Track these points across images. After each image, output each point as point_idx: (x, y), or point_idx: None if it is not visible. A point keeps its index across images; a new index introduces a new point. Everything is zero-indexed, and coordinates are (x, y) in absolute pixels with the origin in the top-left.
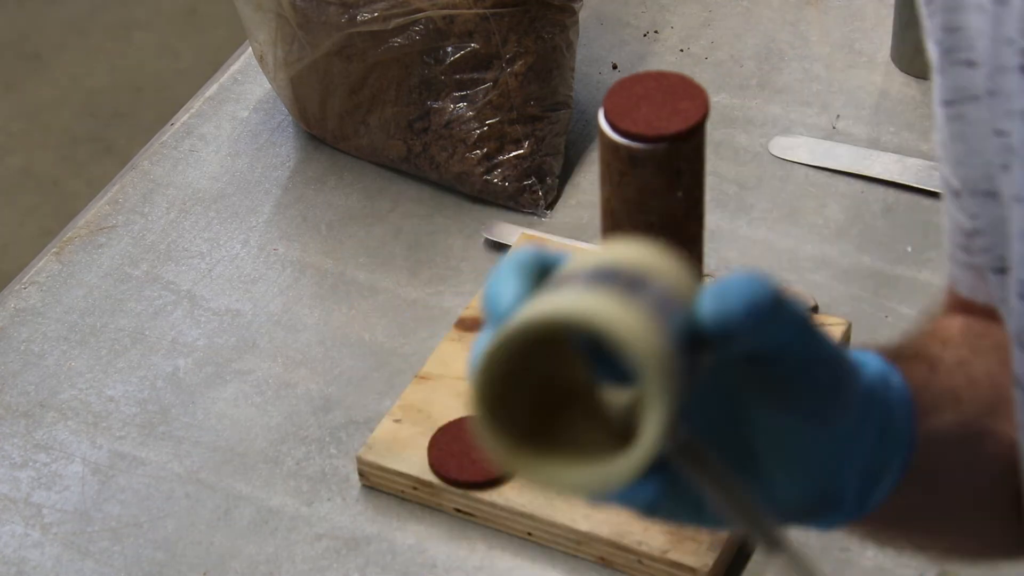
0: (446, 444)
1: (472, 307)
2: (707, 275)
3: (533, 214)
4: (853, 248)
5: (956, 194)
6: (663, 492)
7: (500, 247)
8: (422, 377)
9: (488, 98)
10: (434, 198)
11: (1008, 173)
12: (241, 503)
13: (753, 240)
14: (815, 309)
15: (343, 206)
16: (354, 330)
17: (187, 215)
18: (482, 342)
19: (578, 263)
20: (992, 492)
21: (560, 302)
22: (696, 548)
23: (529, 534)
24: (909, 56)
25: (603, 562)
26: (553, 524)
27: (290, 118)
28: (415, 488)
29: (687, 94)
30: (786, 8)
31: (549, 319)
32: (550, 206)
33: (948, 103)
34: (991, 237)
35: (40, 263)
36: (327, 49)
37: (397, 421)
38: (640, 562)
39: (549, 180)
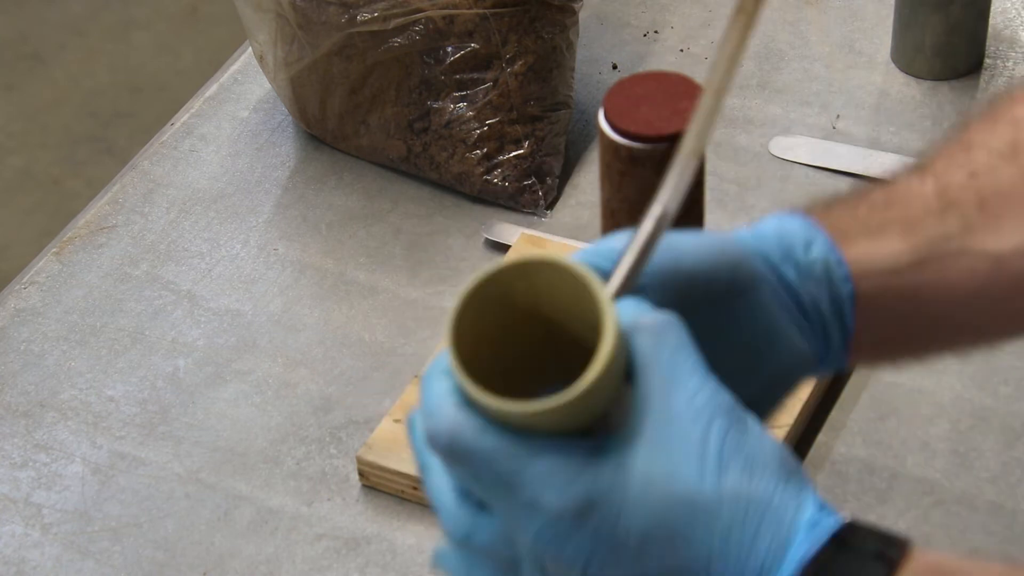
0: None
1: None
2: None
3: (533, 214)
4: None
5: None
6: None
7: (500, 247)
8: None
9: (488, 98)
10: (434, 198)
11: None
12: (241, 503)
13: None
14: None
15: (343, 206)
16: (354, 330)
17: (187, 215)
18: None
19: None
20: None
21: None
22: None
23: None
24: (909, 56)
25: None
26: None
27: (290, 118)
28: (415, 488)
29: (687, 94)
30: (786, 8)
31: (523, 260)
32: (550, 206)
33: None
34: None
35: (40, 263)
36: (327, 49)
37: (397, 421)
38: None
39: (549, 180)
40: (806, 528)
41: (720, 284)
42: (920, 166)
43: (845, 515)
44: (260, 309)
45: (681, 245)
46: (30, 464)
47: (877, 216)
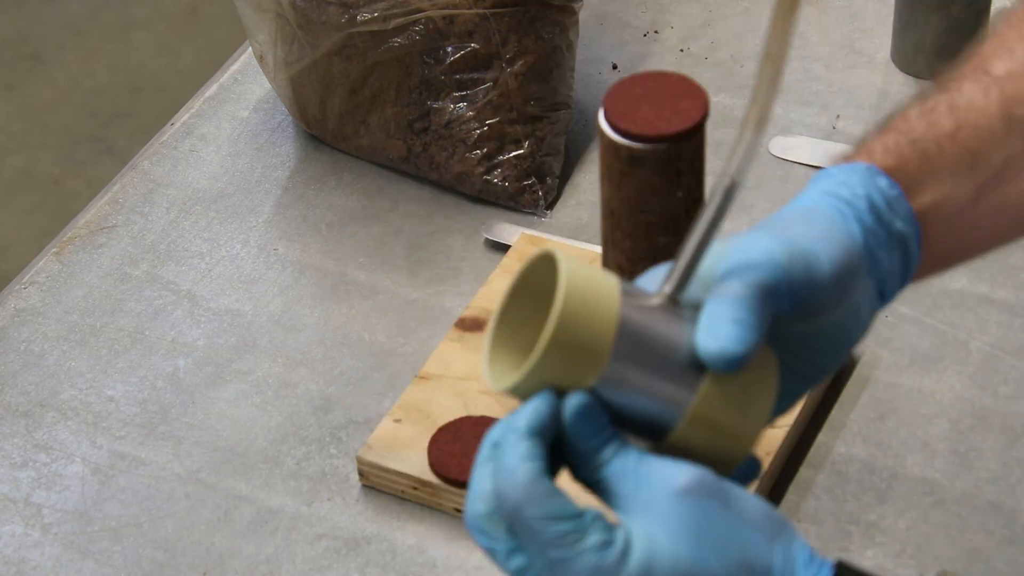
0: (446, 444)
1: (472, 307)
2: None
3: (533, 214)
4: None
5: None
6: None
7: (500, 247)
8: (422, 377)
9: (488, 98)
10: (434, 198)
11: None
12: (241, 503)
13: None
14: None
15: (343, 206)
16: (354, 330)
17: (187, 215)
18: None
19: None
20: None
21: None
22: None
23: None
24: (909, 56)
25: None
26: None
27: (290, 118)
28: (415, 488)
29: (687, 94)
30: None
31: (540, 253)
32: (550, 206)
33: None
34: None
35: (40, 263)
36: (327, 49)
37: (397, 421)
38: None
39: (549, 180)
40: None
41: (843, 285)
42: (978, 65)
43: (833, 558)
44: (260, 309)
45: (812, 258)
46: (30, 464)
47: (944, 150)
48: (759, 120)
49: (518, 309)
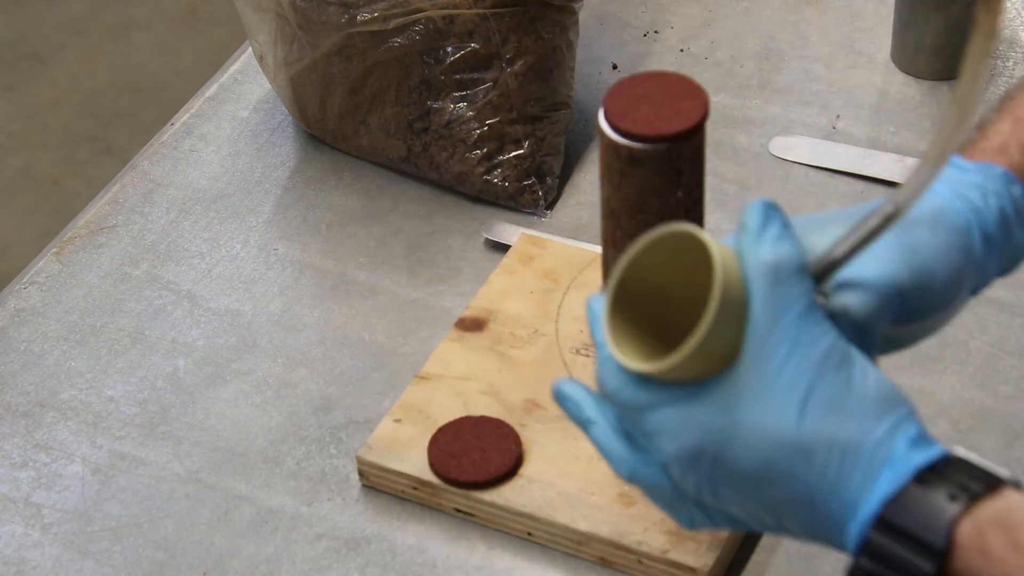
0: (446, 444)
1: (472, 307)
2: None
3: (533, 214)
4: None
5: None
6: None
7: (500, 247)
8: (422, 377)
9: (488, 98)
10: (434, 198)
11: None
12: (241, 503)
13: None
14: None
15: (343, 206)
16: (354, 330)
17: (187, 215)
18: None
19: None
20: None
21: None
22: (696, 548)
23: (529, 534)
24: (909, 56)
25: (603, 562)
26: (553, 524)
27: (290, 118)
28: (415, 488)
29: (687, 94)
30: (786, 8)
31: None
32: (550, 206)
33: None
34: None
35: (40, 263)
36: (327, 49)
37: (397, 421)
38: (640, 562)
39: (549, 180)
40: (893, 465)
41: (950, 300)
42: None
43: (951, 448)
44: (260, 309)
45: (929, 276)
46: (30, 464)
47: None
48: (938, 157)
49: (637, 286)
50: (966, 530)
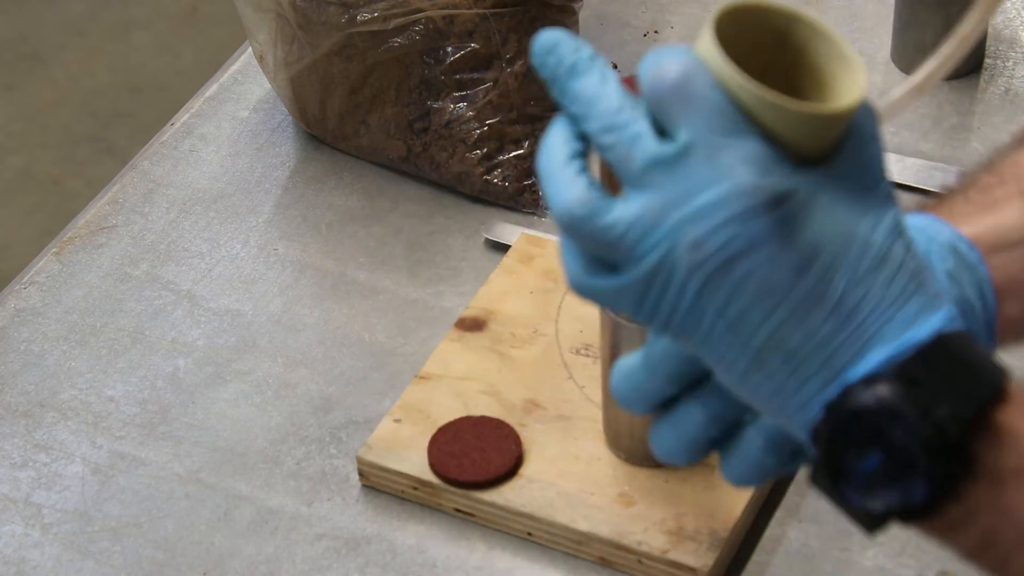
0: (446, 444)
1: (472, 307)
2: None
3: (533, 214)
4: None
5: None
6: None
7: (500, 247)
8: (422, 377)
9: (488, 98)
10: (434, 198)
11: None
12: (241, 503)
13: None
14: None
15: (343, 206)
16: (354, 330)
17: (187, 215)
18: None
19: None
20: None
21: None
22: (696, 548)
23: (529, 534)
24: (909, 56)
25: (603, 562)
26: (553, 524)
27: (290, 118)
28: (415, 488)
29: None
30: None
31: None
32: None
33: None
34: None
35: (40, 263)
36: (327, 49)
37: (397, 421)
38: (640, 562)
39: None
40: (952, 304)
41: None
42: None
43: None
44: (260, 309)
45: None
46: (30, 464)
47: (992, 193)
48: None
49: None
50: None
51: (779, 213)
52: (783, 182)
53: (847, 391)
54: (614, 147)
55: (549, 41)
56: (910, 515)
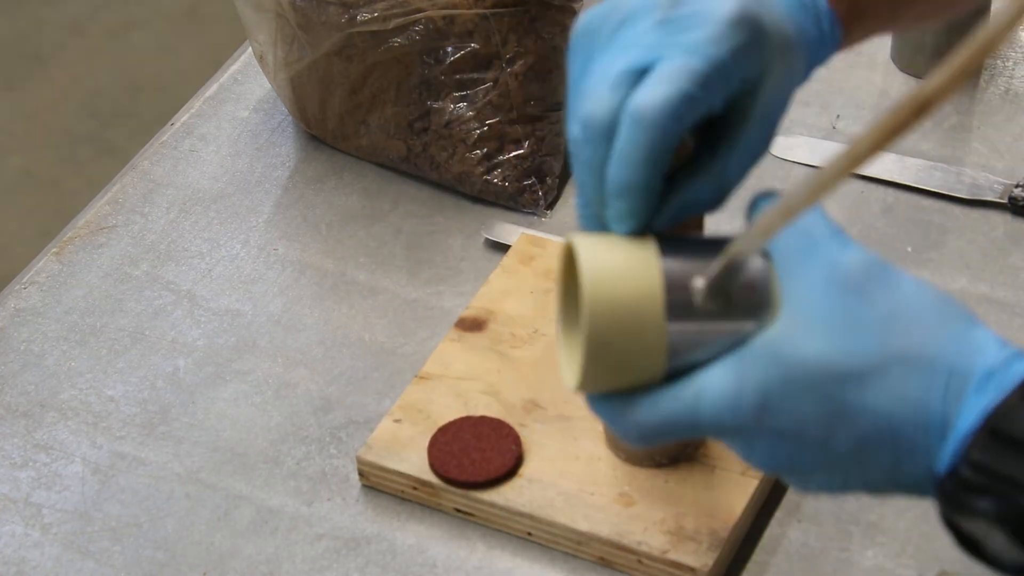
0: (446, 444)
1: (472, 307)
2: None
3: (533, 214)
4: None
5: None
6: None
7: (500, 247)
8: (422, 377)
9: (488, 98)
10: (434, 198)
11: None
12: (241, 503)
13: None
14: None
15: (343, 206)
16: (354, 330)
17: (187, 215)
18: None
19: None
20: None
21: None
22: (696, 548)
23: (529, 534)
24: (909, 56)
25: (603, 562)
26: (553, 524)
27: (290, 118)
28: (415, 488)
29: None
30: None
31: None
32: (550, 206)
33: None
34: None
35: (40, 263)
36: (327, 49)
37: (397, 421)
38: (640, 562)
39: (549, 180)
40: (983, 377)
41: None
42: None
43: None
44: (260, 309)
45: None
46: (30, 464)
47: None
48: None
49: (572, 301)
50: None
51: (772, 422)
52: (749, 402)
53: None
54: None
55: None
56: None
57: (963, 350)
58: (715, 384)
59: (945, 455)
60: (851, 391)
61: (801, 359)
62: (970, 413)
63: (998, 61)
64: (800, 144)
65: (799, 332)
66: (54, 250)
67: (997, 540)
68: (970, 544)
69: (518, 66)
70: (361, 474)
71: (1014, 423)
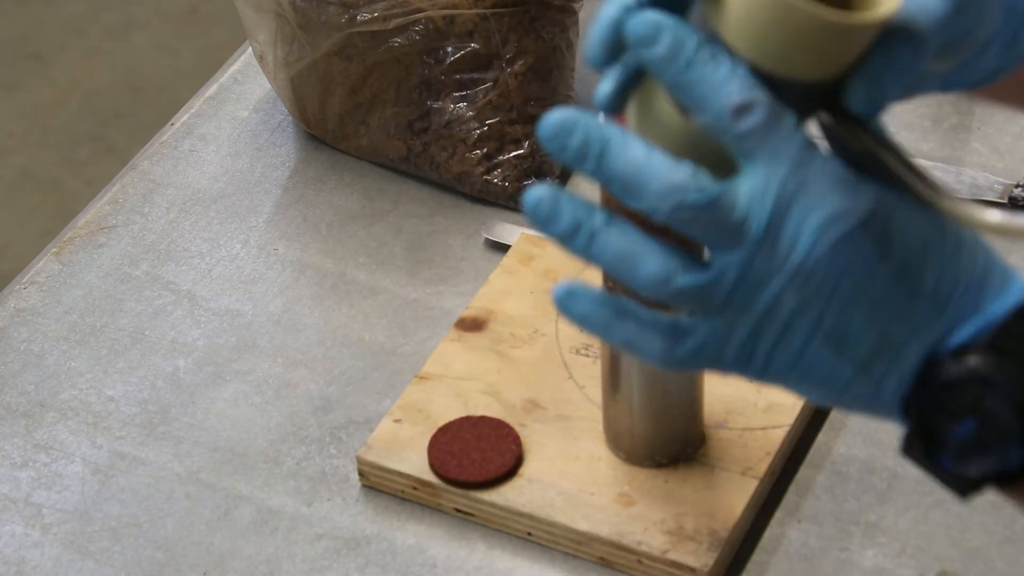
0: (446, 444)
1: (472, 307)
2: None
3: None
4: None
5: None
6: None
7: (500, 247)
8: (422, 377)
9: (488, 98)
10: (434, 198)
11: None
12: (241, 503)
13: None
14: None
15: (343, 206)
16: (354, 330)
17: (187, 215)
18: None
19: None
20: None
21: None
22: (696, 548)
23: (529, 534)
24: None
25: (603, 562)
26: (553, 524)
27: (290, 118)
28: (415, 488)
29: None
30: None
31: None
32: None
33: None
34: None
35: (40, 263)
36: (327, 49)
37: (397, 421)
38: (640, 562)
39: (549, 180)
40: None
41: None
42: None
43: None
44: (260, 309)
45: None
46: (30, 464)
47: None
48: None
49: None
50: None
51: (871, 232)
52: (869, 202)
53: (938, 363)
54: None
55: (560, 124)
56: (1005, 479)
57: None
58: (846, 177)
59: (991, 325)
60: (946, 239)
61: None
62: (1010, 296)
63: None
64: None
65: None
66: (54, 250)
67: (1002, 414)
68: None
69: (518, 66)
70: (361, 474)
71: None
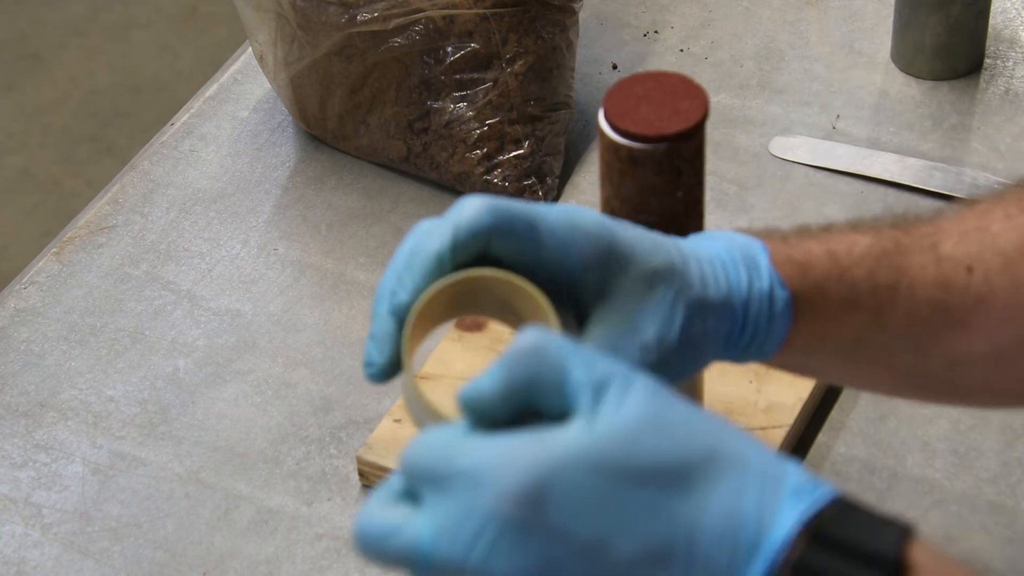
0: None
1: None
2: None
3: None
4: None
5: None
6: None
7: None
8: (422, 377)
9: (488, 98)
10: (434, 198)
11: None
12: (241, 503)
13: None
14: None
15: (343, 206)
16: (354, 330)
17: (187, 215)
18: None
19: None
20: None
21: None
22: None
23: None
24: (909, 56)
25: None
26: None
27: (290, 118)
28: None
29: (687, 94)
30: (786, 8)
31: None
32: None
33: None
34: None
35: (40, 263)
36: (327, 49)
37: (397, 421)
38: None
39: (549, 180)
40: (795, 490)
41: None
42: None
43: (836, 491)
44: (260, 309)
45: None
46: (30, 464)
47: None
48: None
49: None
50: (921, 555)
51: (547, 516)
52: (528, 480)
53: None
54: None
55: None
56: None
57: (779, 465)
58: (505, 451)
59: (764, 562)
60: (650, 489)
61: (598, 449)
62: (785, 523)
63: (998, 61)
64: (800, 144)
65: (606, 429)
66: (54, 250)
67: None
68: None
69: (518, 66)
70: (361, 474)
71: (839, 527)
